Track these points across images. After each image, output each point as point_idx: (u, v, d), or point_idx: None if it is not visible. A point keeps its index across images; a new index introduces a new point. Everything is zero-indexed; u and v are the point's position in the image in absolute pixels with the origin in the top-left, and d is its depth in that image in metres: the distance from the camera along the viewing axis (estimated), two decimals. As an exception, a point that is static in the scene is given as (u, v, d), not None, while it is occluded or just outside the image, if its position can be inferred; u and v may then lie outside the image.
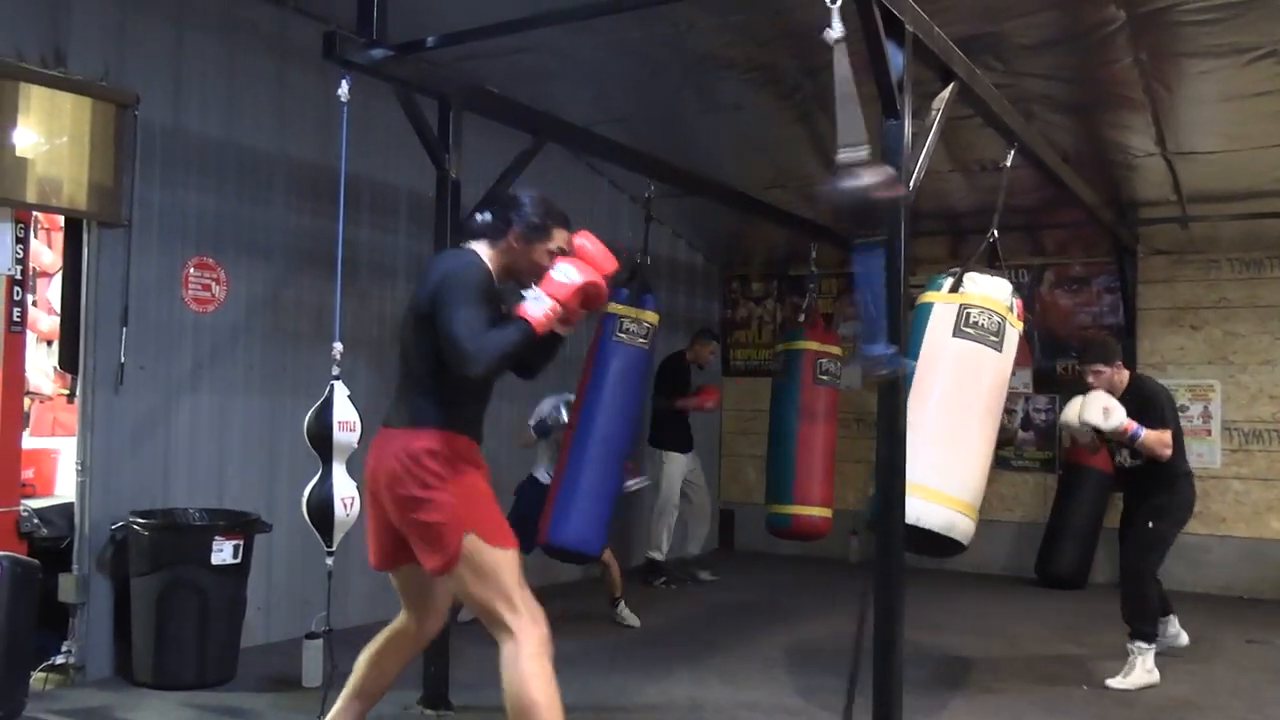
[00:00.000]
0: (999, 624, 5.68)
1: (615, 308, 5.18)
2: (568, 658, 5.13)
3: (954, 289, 4.35)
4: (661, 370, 7.18)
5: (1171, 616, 5.37)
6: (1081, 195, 6.02)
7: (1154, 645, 4.92)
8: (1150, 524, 4.96)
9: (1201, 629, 6.13)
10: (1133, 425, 4.77)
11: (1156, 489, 4.98)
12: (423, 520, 2.91)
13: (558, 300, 2.96)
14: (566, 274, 3.00)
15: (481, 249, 3.09)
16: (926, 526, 4.01)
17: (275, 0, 5.19)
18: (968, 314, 4.30)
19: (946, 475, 4.11)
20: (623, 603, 6.00)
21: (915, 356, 4.20)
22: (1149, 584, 4.99)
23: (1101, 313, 7.84)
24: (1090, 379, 4.99)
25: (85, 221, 4.53)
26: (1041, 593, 7.16)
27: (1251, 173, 6.38)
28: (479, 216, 3.17)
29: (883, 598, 3.44)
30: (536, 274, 3.06)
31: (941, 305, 4.35)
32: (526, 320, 2.92)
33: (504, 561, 2.94)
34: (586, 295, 3.03)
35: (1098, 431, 4.92)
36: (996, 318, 4.33)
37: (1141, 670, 4.86)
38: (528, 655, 2.87)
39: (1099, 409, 4.80)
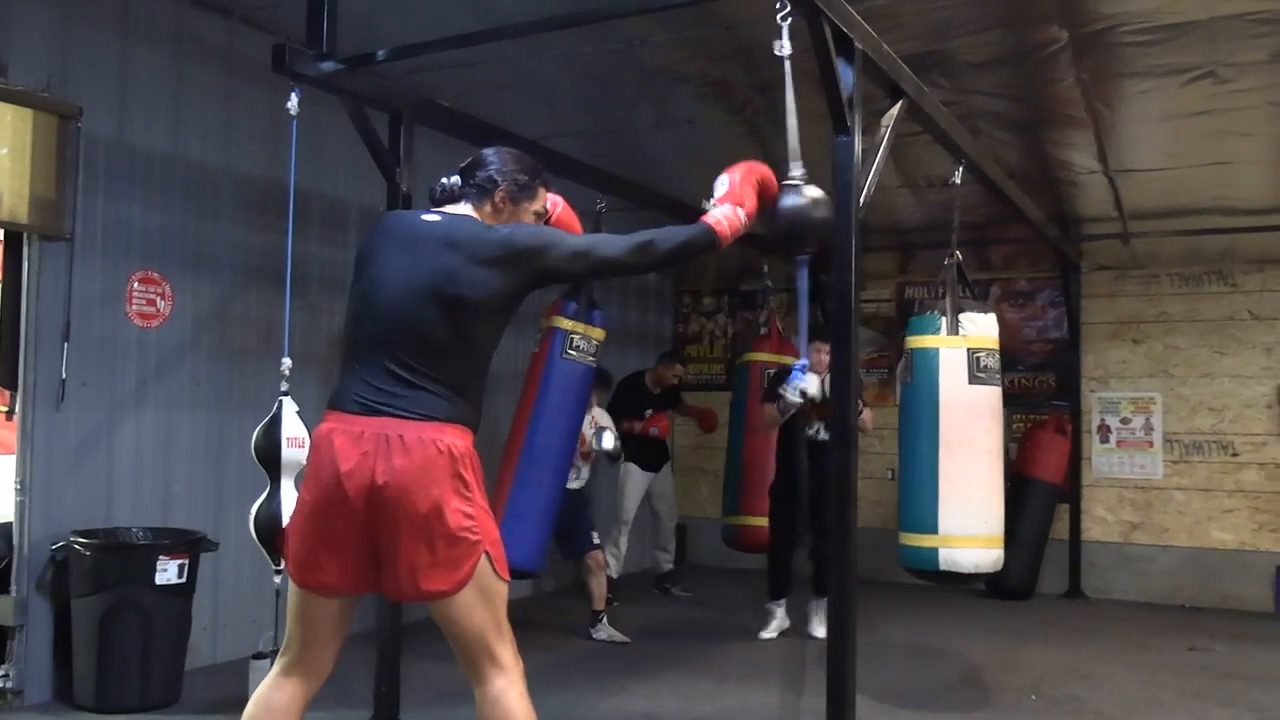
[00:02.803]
0: (949, 635, 5.74)
1: (564, 323, 5.11)
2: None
3: (952, 330, 4.50)
4: (619, 389, 7.20)
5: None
6: (1027, 211, 6.13)
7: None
8: None
9: (1146, 637, 6.25)
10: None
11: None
12: (449, 534, 2.47)
13: (742, 205, 2.77)
14: (733, 176, 2.83)
15: (466, 212, 2.76)
16: (987, 571, 4.60)
17: (223, 12, 5.13)
18: (977, 359, 4.52)
19: (990, 518, 4.53)
20: (605, 618, 6.03)
21: (928, 401, 4.49)
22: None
23: (1047, 326, 7.98)
24: (814, 355, 5.61)
25: (26, 235, 4.43)
26: (991, 603, 7.24)
27: (1190, 190, 6.54)
28: (448, 181, 2.82)
29: (835, 610, 3.46)
30: None
31: (948, 351, 4.50)
32: (710, 226, 2.72)
33: (504, 591, 2.62)
34: (764, 186, 2.87)
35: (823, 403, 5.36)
36: (995, 354, 4.58)
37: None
38: (518, 694, 2.57)
39: None
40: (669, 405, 7.39)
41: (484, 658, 2.57)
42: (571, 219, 3.02)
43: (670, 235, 2.71)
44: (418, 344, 2.56)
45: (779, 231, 3.07)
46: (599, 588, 5.97)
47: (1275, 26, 4.66)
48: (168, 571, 4.37)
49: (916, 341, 4.59)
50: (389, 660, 4.22)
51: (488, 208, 2.76)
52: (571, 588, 7.55)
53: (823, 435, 5.57)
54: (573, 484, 5.84)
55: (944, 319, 4.53)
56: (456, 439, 2.53)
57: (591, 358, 5.18)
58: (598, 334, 5.20)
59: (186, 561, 4.45)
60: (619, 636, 5.94)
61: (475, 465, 2.58)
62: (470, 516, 2.52)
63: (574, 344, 5.09)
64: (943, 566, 4.46)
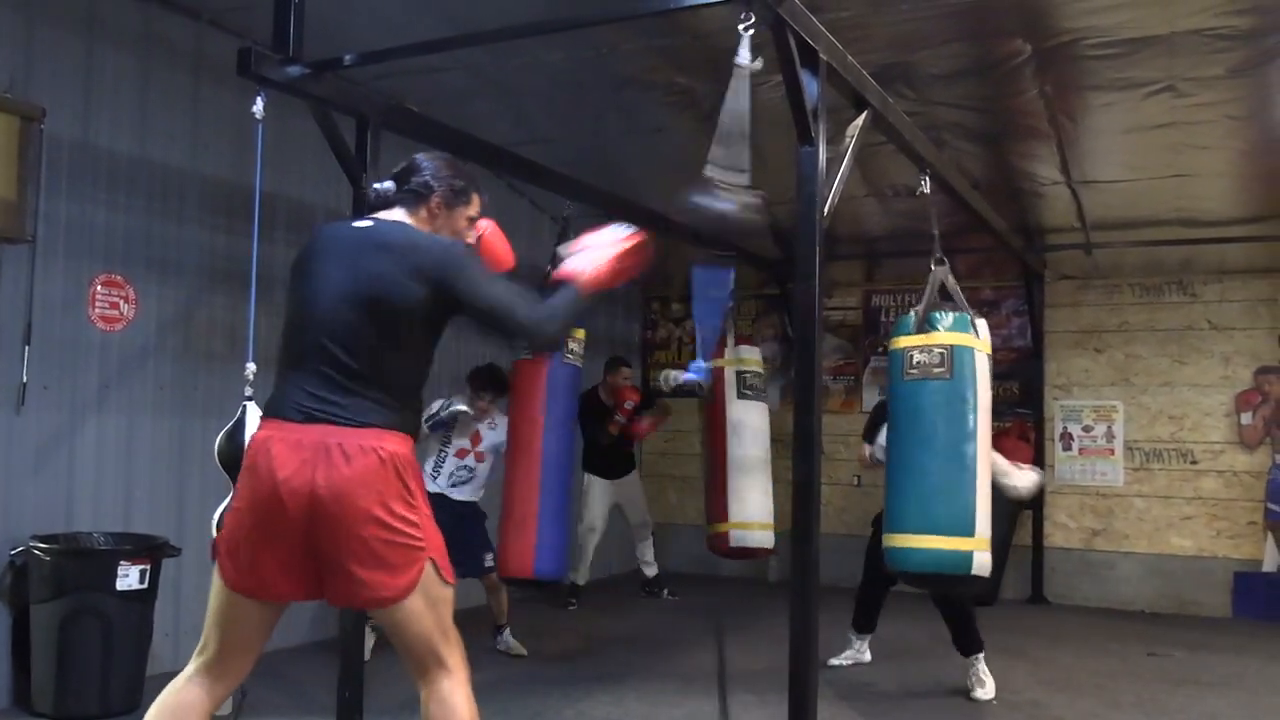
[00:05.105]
0: (914, 641, 5.78)
1: None
2: (485, 681, 5.11)
3: (976, 333, 4.49)
4: (581, 407, 7.11)
5: (866, 640, 5.71)
6: (991, 222, 6.19)
7: (984, 651, 5.13)
8: None
9: (1105, 643, 6.32)
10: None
11: None
12: (394, 541, 2.47)
13: (612, 257, 2.71)
14: (615, 233, 2.77)
15: (400, 218, 2.73)
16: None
17: (190, 14, 5.10)
18: (989, 363, 4.53)
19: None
20: (508, 630, 5.80)
21: (968, 400, 4.36)
22: (968, 603, 5.16)
23: (1011, 335, 8.05)
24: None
25: (-14, 237, 4.39)
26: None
27: (1151, 202, 6.64)
28: (382, 186, 2.80)
29: (799, 617, 3.48)
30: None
31: (980, 354, 4.46)
32: (573, 282, 2.64)
33: (450, 596, 2.62)
34: (636, 259, 2.77)
35: None
36: None
37: (988, 678, 5.08)
38: (465, 695, 2.59)
39: (1031, 483, 5.07)
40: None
41: (431, 661, 2.58)
42: (499, 242, 2.96)
43: (556, 308, 2.61)
44: (353, 350, 2.55)
45: (695, 228, 3.08)
46: (499, 605, 5.74)
47: (1233, 42, 4.76)
48: (129, 577, 4.33)
49: (956, 339, 4.43)
50: (352, 666, 4.20)
51: (422, 213, 2.75)
52: (536, 594, 7.54)
53: None
54: (465, 495, 5.59)
55: (971, 320, 4.50)
56: (398, 446, 2.53)
57: (581, 359, 5.24)
58: (582, 334, 5.28)
59: (148, 567, 4.41)
60: (517, 649, 5.75)
61: (417, 472, 2.59)
62: (414, 524, 2.51)
63: (569, 348, 5.15)
64: (975, 570, 4.29)
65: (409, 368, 2.63)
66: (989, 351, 4.54)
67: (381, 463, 2.48)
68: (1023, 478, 5.02)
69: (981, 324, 4.57)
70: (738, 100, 3.16)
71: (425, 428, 5.39)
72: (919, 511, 4.31)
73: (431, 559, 2.54)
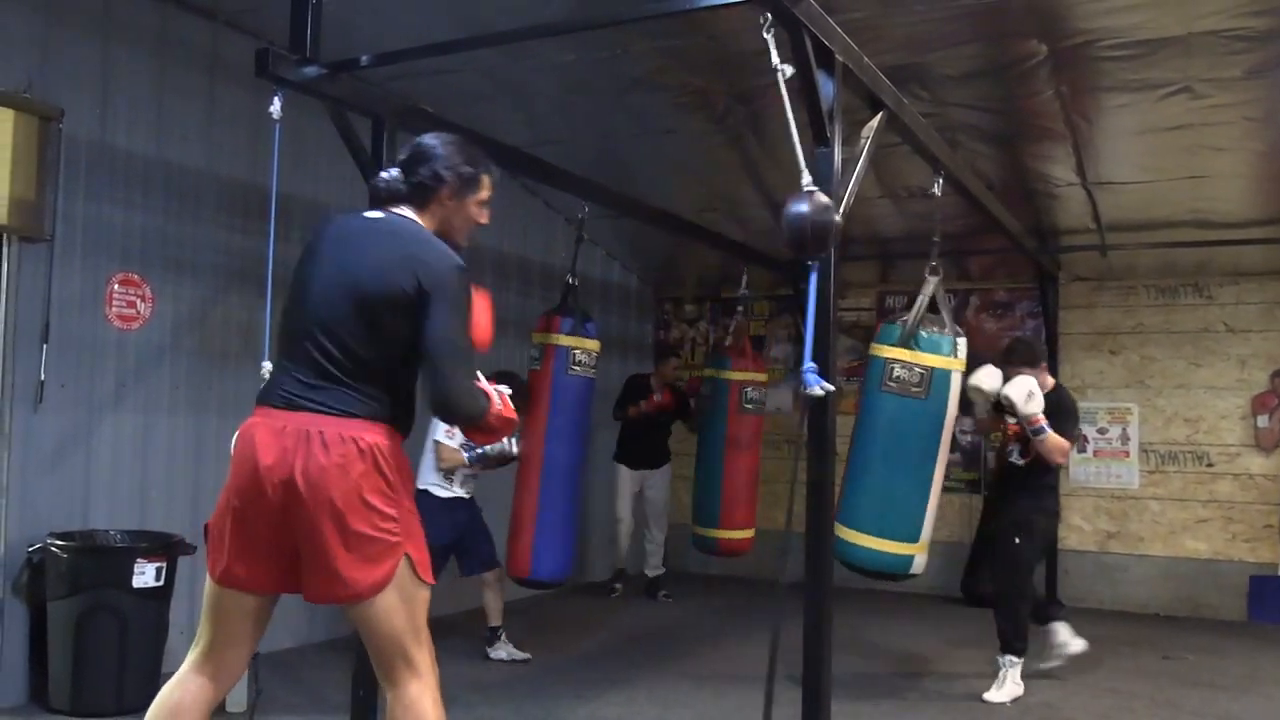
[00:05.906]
0: (925, 642, 5.77)
1: (564, 340, 5.14)
2: (496, 681, 5.12)
3: (957, 354, 4.63)
4: (625, 387, 7.57)
5: (1058, 625, 5.54)
6: (1005, 223, 6.17)
7: (1023, 660, 5.09)
8: (1017, 540, 5.11)
9: (1120, 646, 6.30)
10: (1043, 420, 4.92)
11: (1026, 495, 5.17)
12: (368, 533, 2.43)
13: (501, 414, 2.69)
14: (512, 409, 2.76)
15: (410, 215, 2.69)
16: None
17: (206, 15, 5.13)
18: (959, 379, 4.67)
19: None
20: (504, 635, 5.63)
21: (938, 420, 4.57)
22: (1022, 601, 5.14)
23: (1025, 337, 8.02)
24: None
25: (5, 236, 4.42)
26: (967, 611, 7.27)
27: (1166, 203, 6.61)
28: (389, 175, 2.72)
29: (811, 618, 3.48)
30: (468, 229, 2.78)
31: (956, 374, 4.65)
32: (490, 398, 2.65)
33: (426, 595, 2.58)
34: (505, 427, 2.76)
35: (1002, 410, 5.06)
36: None
37: (1011, 683, 5.05)
38: (432, 699, 2.54)
39: (1024, 391, 4.88)
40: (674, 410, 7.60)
41: (399, 662, 2.54)
42: (483, 317, 2.81)
43: (481, 401, 2.60)
44: (342, 340, 2.52)
45: (797, 236, 3.14)
46: (495, 602, 5.58)
47: (1250, 43, 4.73)
48: (145, 574, 4.36)
49: (938, 361, 4.57)
50: (366, 665, 4.19)
51: (432, 205, 2.70)
52: (554, 595, 7.56)
53: (1017, 458, 5.19)
54: (466, 491, 5.47)
55: (956, 342, 4.60)
56: (380, 438, 2.50)
57: (593, 370, 5.31)
58: (595, 346, 5.33)
59: (164, 564, 4.44)
60: (519, 654, 5.58)
61: (401, 465, 2.55)
62: (391, 518, 2.48)
63: (576, 360, 5.18)
64: (913, 571, 4.65)
65: (396, 363, 2.57)
66: (964, 369, 4.67)
67: (360, 454, 2.45)
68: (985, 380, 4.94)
69: (962, 343, 4.63)
70: (787, 106, 3.21)
71: (467, 458, 5.32)
72: (875, 516, 4.57)
73: (408, 554, 2.51)
